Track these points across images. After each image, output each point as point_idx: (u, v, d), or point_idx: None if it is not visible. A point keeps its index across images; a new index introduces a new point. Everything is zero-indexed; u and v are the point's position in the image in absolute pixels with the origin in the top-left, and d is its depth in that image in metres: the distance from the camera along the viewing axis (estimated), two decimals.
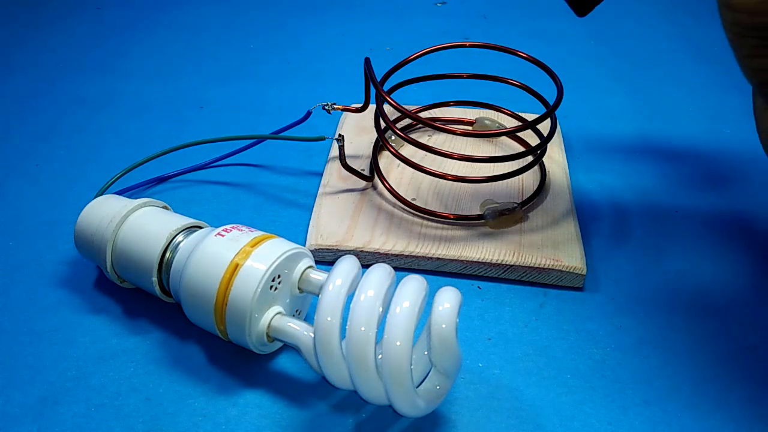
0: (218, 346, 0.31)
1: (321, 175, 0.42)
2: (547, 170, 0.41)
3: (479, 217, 0.37)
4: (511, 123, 0.44)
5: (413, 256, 0.35)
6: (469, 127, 0.46)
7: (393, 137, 0.41)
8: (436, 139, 0.44)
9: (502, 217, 0.37)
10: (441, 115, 0.47)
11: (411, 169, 0.38)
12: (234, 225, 0.31)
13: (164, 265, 0.31)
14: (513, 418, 0.28)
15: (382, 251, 0.36)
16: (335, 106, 0.40)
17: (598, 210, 0.40)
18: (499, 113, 0.45)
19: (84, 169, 0.44)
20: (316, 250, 0.36)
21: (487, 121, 0.45)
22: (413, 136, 0.44)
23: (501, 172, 0.37)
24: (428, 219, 0.38)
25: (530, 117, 0.45)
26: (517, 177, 0.38)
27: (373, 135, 0.42)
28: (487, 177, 0.37)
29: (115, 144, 0.47)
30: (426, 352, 0.27)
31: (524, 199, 0.38)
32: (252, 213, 0.40)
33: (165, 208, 0.34)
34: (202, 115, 0.51)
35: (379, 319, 0.25)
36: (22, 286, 0.35)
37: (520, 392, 0.30)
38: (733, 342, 0.32)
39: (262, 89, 0.54)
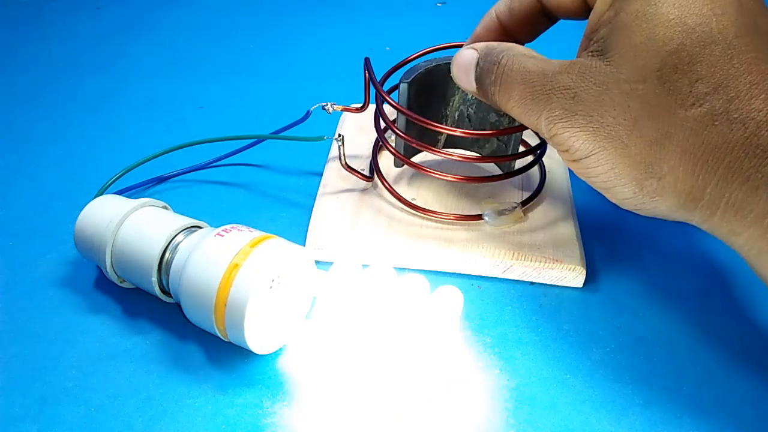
0: (218, 346, 0.31)
1: (321, 175, 0.42)
2: (547, 170, 0.41)
3: (479, 217, 0.37)
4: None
5: (413, 256, 0.35)
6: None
7: (393, 137, 0.41)
8: None
9: (502, 217, 0.37)
10: None
11: (411, 169, 0.38)
12: (234, 225, 0.31)
13: (164, 265, 0.31)
14: (513, 418, 0.28)
15: (382, 251, 0.36)
16: (335, 106, 0.39)
17: (598, 210, 0.40)
18: None
19: (84, 169, 0.44)
20: (316, 250, 0.36)
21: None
22: None
23: (501, 173, 0.37)
24: (428, 219, 0.38)
25: None
26: (517, 177, 0.38)
27: (373, 135, 0.42)
28: (487, 177, 0.37)
29: (115, 144, 0.47)
30: None
31: (524, 199, 0.38)
32: (252, 213, 0.40)
33: (165, 208, 0.34)
34: (202, 115, 0.51)
35: (379, 319, 0.25)
36: (22, 286, 0.35)
37: (521, 392, 0.30)
38: (733, 342, 0.32)
39: (262, 89, 0.54)
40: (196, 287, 0.29)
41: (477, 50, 0.30)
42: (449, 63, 0.32)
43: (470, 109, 0.39)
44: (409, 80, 0.36)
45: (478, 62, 0.30)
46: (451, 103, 0.40)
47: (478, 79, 0.30)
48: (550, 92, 0.26)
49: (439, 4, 0.70)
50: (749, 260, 0.25)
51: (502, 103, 0.29)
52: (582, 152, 0.26)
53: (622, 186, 0.26)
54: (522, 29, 0.32)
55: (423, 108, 0.38)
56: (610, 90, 0.25)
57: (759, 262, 0.25)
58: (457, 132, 0.35)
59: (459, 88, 0.33)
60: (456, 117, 0.40)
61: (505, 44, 0.29)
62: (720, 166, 0.23)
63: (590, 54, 0.26)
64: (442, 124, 0.37)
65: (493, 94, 0.29)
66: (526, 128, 0.37)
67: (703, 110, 0.23)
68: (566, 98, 0.26)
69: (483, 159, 0.37)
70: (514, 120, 0.37)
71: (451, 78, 0.32)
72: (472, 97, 0.39)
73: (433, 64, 0.37)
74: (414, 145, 0.36)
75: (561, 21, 0.32)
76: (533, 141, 0.42)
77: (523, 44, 0.31)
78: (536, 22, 0.32)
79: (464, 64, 0.30)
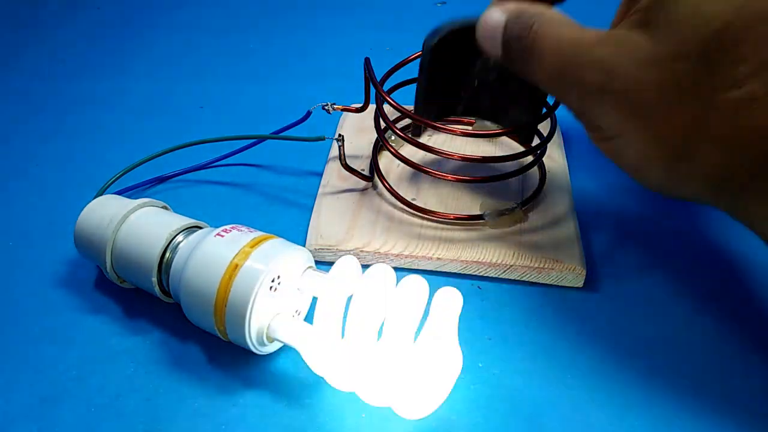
0: (218, 346, 0.31)
1: (321, 175, 0.42)
2: (547, 170, 0.41)
3: (479, 217, 0.37)
4: None
5: (413, 257, 0.35)
6: (469, 127, 0.45)
7: (393, 137, 0.41)
8: (436, 139, 0.44)
9: (502, 217, 0.37)
10: None
11: (411, 169, 0.38)
12: (234, 225, 0.31)
13: (164, 265, 0.31)
14: (513, 418, 0.28)
15: (382, 251, 0.36)
16: (335, 106, 0.39)
17: (598, 210, 0.40)
18: None
19: (84, 169, 0.44)
20: (316, 250, 0.36)
21: (487, 122, 0.44)
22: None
23: (501, 172, 0.37)
24: (428, 219, 0.38)
25: None
26: (517, 177, 0.38)
27: (373, 135, 0.42)
28: (487, 177, 0.37)
29: (115, 144, 0.47)
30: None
31: (524, 199, 0.38)
32: (252, 213, 0.40)
33: (165, 208, 0.34)
34: (202, 115, 0.51)
35: (379, 320, 0.25)
36: (22, 286, 0.35)
37: (520, 392, 0.30)
38: (734, 342, 0.32)
39: (262, 89, 0.54)
40: (196, 287, 0.29)
41: (505, 12, 0.28)
42: (475, 25, 0.29)
43: (492, 76, 0.37)
44: (433, 43, 0.34)
45: (506, 25, 0.27)
46: (472, 69, 0.38)
47: (506, 45, 0.28)
48: (583, 65, 0.25)
49: (439, 4, 0.70)
50: None
51: (530, 72, 0.27)
52: (613, 131, 0.25)
53: (652, 168, 0.25)
54: None
55: (442, 72, 0.37)
56: (648, 68, 0.23)
57: None
58: (458, 132, 0.35)
59: (481, 54, 0.30)
60: (476, 84, 0.38)
61: (537, 7, 0.27)
62: (755, 151, 0.23)
63: (629, 25, 0.24)
64: (460, 90, 0.36)
65: (522, 62, 0.27)
66: (538, 123, 0.37)
67: (743, 92, 0.22)
68: (600, 73, 0.24)
69: (483, 159, 0.37)
70: (536, 89, 0.36)
71: (473, 42, 0.30)
72: (494, 62, 0.36)
73: (458, 25, 0.35)
74: (415, 145, 0.36)
75: None
76: (534, 141, 0.42)
77: (552, 5, 0.28)
78: None
79: (491, 26, 0.28)
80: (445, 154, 0.35)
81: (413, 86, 0.43)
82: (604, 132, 0.26)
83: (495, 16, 0.28)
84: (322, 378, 0.28)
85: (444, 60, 0.36)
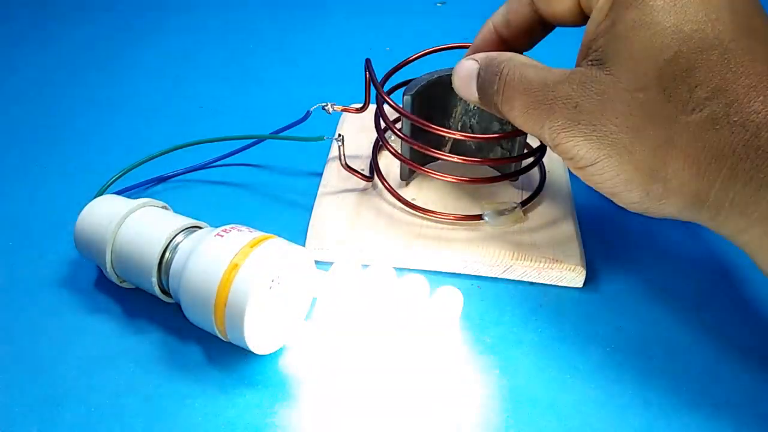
0: (218, 346, 0.31)
1: (321, 175, 0.42)
2: (547, 170, 0.41)
3: (479, 217, 0.37)
4: None
5: (413, 257, 0.35)
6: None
7: (393, 137, 0.41)
8: None
9: (502, 217, 0.37)
10: None
11: (411, 169, 0.38)
12: (233, 225, 0.31)
13: (164, 265, 0.31)
14: (513, 418, 0.28)
15: (382, 251, 0.36)
16: (335, 106, 0.39)
17: (598, 210, 0.40)
18: None
19: (84, 169, 0.44)
20: (316, 250, 0.36)
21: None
22: None
23: (501, 173, 0.37)
24: (428, 219, 0.38)
25: None
26: (517, 177, 0.38)
27: (373, 135, 0.42)
28: (487, 177, 0.37)
29: (115, 144, 0.47)
30: None
31: (524, 199, 0.38)
32: (252, 213, 0.40)
33: (165, 208, 0.34)
34: (202, 115, 0.51)
35: (379, 319, 0.25)
36: (22, 286, 0.35)
37: (521, 392, 0.30)
38: (733, 341, 0.32)
39: (262, 89, 0.54)
40: (196, 287, 0.29)
41: (477, 61, 0.30)
42: (450, 75, 0.32)
43: (473, 120, 0.39)
44: (412, 93, 0.36)
45: (479, 73, 0.30)
46: (453, 115, 0.40)
47: (480, 90, 0.30)
48: (552, 102, 0.26)
49: (439, 4, 0.70)
50: (754, 257, 0.26)
51: (505, 112, 0.29)
52: (587, 160, 0.26)
53: (629, 191, 0.26)
54: (520, 39, 0.32)
55: (425, 120, 0.38)
56: (611, 99, 0.25)
57: (764, 259, 0.25)
58: (458, 134, 0.35)
59: (461, 99, 0.33)
60: (459, 128, 0.40)
61: (505, 54, 0.30)
62: (723, 168, 0.24)
63: (589, 63, 0.26)
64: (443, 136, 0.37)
65: (496, 103, 0.29)
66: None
67: (704, 115, 0.24)
68: (568, 108, 0.26)
69: (484, 161, 0.37)
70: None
71: (452, 89, 0.32)
72: (474, 107, 0.39)
73: (435, 77, 0.37)
74: (416, 147, 0.36)
75: (557, 28, 0.32)
76: (534, 143, 0.42)
77: (521, 53, 0.31)
78: (533, 32, 0.32)
79: (466, 75, 0.31)
80: (448, 156, 0.35)
81: None
82: (579, 161, 0.27)
83: (468, 65, 0.31)
84: (322, 378, 0.28)
85: (424, 108, 0.37)
